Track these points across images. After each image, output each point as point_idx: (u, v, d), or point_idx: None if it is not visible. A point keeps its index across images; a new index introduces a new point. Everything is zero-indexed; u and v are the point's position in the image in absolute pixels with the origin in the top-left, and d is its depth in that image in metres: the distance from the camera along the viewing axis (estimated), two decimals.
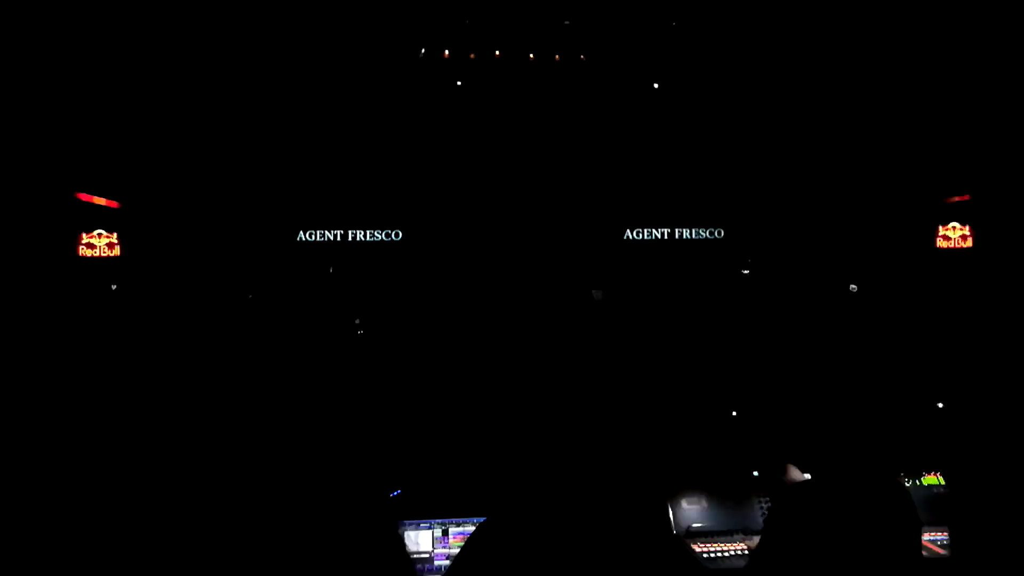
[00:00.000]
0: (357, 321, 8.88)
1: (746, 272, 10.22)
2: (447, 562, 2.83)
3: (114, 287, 6.96)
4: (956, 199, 9.46)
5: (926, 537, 3.09)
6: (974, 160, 8.93)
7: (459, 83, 11.33)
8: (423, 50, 10.57)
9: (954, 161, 9.31)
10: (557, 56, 11.23)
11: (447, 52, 10.93)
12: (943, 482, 3.64)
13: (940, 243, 9.58)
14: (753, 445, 3.61)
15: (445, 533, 2.92)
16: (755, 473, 3.61)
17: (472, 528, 2.67)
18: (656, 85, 11.00)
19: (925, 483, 3.66)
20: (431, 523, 2.94)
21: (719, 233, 11.36)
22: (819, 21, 9.17)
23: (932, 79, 9.29)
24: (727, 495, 3.55)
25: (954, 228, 9.51)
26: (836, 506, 2.22)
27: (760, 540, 2.41)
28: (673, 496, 3.48)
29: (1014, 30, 8.08)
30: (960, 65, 8.91)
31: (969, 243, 9.44)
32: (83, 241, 8.62)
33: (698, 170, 10.94)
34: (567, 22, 10.50)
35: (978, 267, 8.79)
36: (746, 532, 3.43)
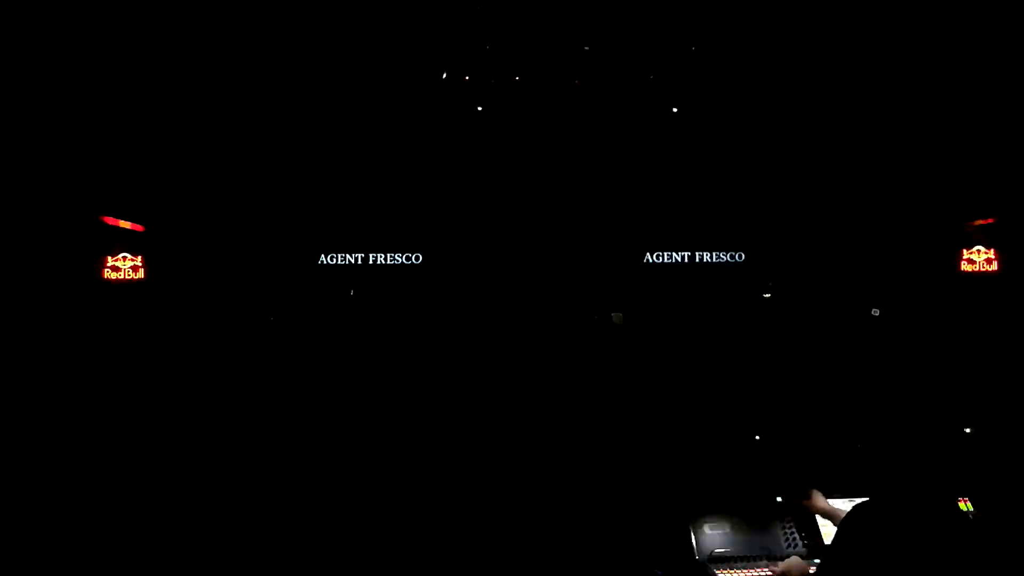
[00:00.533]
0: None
1: (767, 296, 10.16)
2: None
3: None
4: (981, 222, 9.37)
5: None
6: (999, 183, 8.85)
7: (480, 108, 11.41)
8: (444, 75, 10.67)
9: (979, 184, 9.23)
10: (577, 81, 11.28)
11: (468, 77, 11.01)
12: (971, 508, 3.58)
13: (964, 267, 9.47)
14: (776, 470, 3.58)
15: None
16: (778, 498, 3.56)
17: None
18: (675, 109, 11.01)
19: None
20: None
21: (740, 256, 11.31)
22: (840, 45, 9.16)
23: (956, 103, 9.24)
24: (750, 520, 3.50)
25: (979, 252, 9.41)
26: (904, 527, 2.20)
27: (825, 556, 2.38)
28: (696, 521, 3.44)
29: None
30: (984, 90, 8.86)
31: (995, 267, 9.33)
32: (108, 264, 8.72)
33: (718, 194, 10.91)
34: (587, 48, 10.57)
35: (1004, 291, 8.68)
36: (770, 557, 3.38)
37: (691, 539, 3.40)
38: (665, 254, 11.35)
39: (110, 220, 8.48)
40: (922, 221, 9.50)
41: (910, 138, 9.46)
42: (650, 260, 11.28)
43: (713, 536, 3.44)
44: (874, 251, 9.84)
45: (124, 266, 8.76)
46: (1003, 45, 8.51)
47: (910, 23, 8.70)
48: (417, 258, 11.13)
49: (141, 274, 8.72)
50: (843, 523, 2.35)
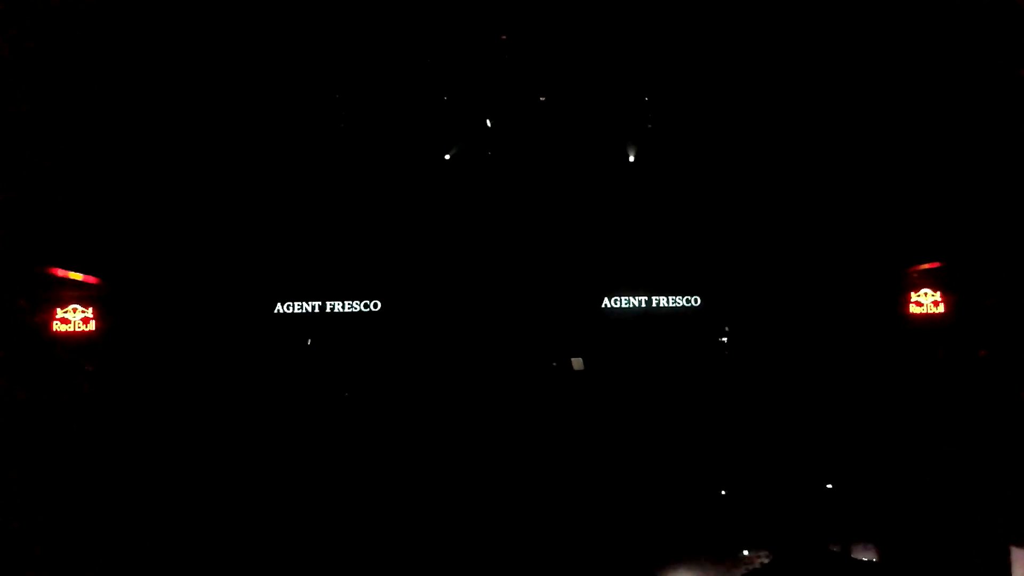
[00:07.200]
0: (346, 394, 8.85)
1: (724, 340, 10.26)
2: None
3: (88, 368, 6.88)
4: (927, 266, 9.61)
5: None
6: (945, 227, 9.11)
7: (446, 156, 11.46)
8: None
9: (925, 228, 9.50)
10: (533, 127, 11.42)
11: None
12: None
13: (912, 309, 9.69)
14: (741, 523, 3.60)
15: None
16: (744, 552, 3.57)
17: None
18: (632, 158, 11.19)
19: None
20: None
21: (695, 301, 11.40)
22: (790, 92, 9.45)
23: (902, 149, 9.55)
24: (716, 573, 3.51)
25: (926, 294, 9.65)
26: None
27: None
28: (662, 575, 3.44)
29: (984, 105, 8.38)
30: (929, 134, 9.19)
31: (941, 309, 9.57)
32: (57, 316, 8.50)
33: (674, 240, 11.04)
34: (543, 98, 10.74)
35: (953, 333, 8.89)
36: None
37: None
38: (623, 299, 11.41)
39: (60, 272, 8.28)
40: (870, 265, 9.73)
41: (858, 186, 9.73)
42: (609, 305, 11.34)
43: None
44: (825, 296, 10.03)
45: (74, 318, 8.55)
46: (947, 95, 8.87)
47: (860, 74, 9.02)
48: (376, 305, 11.03)
49: (92, 327, 8.52)
50: None
